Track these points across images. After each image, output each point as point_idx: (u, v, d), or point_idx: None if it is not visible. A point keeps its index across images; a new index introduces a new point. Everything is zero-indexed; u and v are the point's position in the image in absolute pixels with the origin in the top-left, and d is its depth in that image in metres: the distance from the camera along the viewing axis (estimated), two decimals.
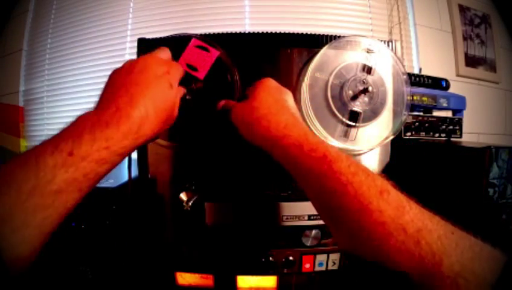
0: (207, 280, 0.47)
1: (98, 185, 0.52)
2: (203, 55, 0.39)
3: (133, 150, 0.26)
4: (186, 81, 0.41)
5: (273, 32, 0.44)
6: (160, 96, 0.28)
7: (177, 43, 0.39)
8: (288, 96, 0.35)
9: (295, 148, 0.28)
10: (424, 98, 0.61)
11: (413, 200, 0.24)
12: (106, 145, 0.23)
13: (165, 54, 0.34)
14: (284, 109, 0.33)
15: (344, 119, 0.42)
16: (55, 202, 0.21)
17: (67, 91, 1.11)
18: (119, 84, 0.27)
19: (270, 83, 0.36)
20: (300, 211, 0.43)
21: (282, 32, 0.44)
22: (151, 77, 0.28)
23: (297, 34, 0.44)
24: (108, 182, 0.53)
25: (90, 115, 0.26)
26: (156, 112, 0.27)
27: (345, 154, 0.27)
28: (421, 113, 0.58)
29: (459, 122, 0.60)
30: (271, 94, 0.34)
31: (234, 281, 0.46)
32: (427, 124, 0.57)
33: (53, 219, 0.22)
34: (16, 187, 0.20)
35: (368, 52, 0.43)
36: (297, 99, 0.43)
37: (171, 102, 0.30)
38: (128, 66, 0.29)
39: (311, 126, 0.42)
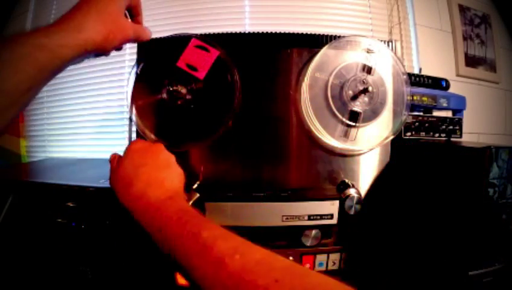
0: None
1: (98, 185, 0.52)
2: (203, 55, 0.39)
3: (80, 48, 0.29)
4: (186, 81, 0.41)
5: (273, 32, 0.44)
6: (105, 7, 0.31)
7: (177, 43, 0.39)
8: (152, 158, 0.35)
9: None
10: (424, 98, 0.61)
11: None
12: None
13: None
14: (138, 177, 0.33)
15: (344, 119, 0.42)
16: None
17: (67, 91, 1.11)
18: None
19: (134, 146, 0.36)
20: (300, 211, 0.43)
21: (282, 32, 0.44)
22: None
23: (297, 34, 0.44)
24: (109, 182, 0.53)
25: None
26: (99, 15, 0.30)
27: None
28: (421, 113, 0.58)
29: (459, 122, 0.60)
30: (132, 159, 0.35)
31: None
32: (427, 124, 0.57)
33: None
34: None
35: (368, 52, 0.43)
36: (297, 100, 0.43)
37: (114, 13, 0.32)
38: None
39: (311, 126, 0.42)
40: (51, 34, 0.26)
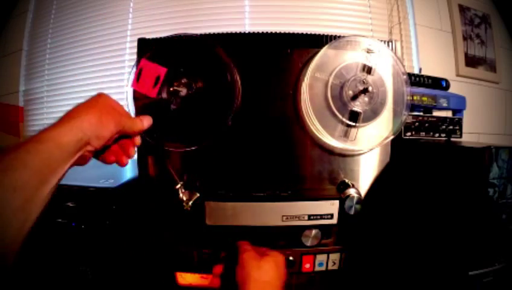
0: (207, 280, 0.47)
1: (98, 185, 0.52)
2: (145, 75, 0.40)
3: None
4: (188, 84, 0.41)
5: (273, 32, 0.44)
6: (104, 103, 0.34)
7: (177, 43, 0.39)
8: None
9: None
10: (424, 98, 0.61)
11: None
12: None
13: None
14: None
15: (344, 119, 0.42)
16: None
17: (67, 91, 1.11)
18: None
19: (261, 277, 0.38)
20: (300, 211, 0.43)
21: (282, 32, 0.44)
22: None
23: (297, 34, 0.44)
24: (109, 182, 0.53)
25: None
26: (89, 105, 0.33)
27: None
28: (421, 113, 0.58)
29: (459, 122, 0.60)
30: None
31: None
32: (427, 124, 0.57)
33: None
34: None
35: (368, 52, 0.43)
36: (297, 100, 0.43)
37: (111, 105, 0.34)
38: None
39: (311, 126, 0.42)
40: (49, 129, 0.28)
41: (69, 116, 0.30)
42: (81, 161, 0.32)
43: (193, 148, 0.41)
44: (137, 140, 0.38)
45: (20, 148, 0.25)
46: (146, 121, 0.37)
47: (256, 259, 0.38)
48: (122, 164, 0.37)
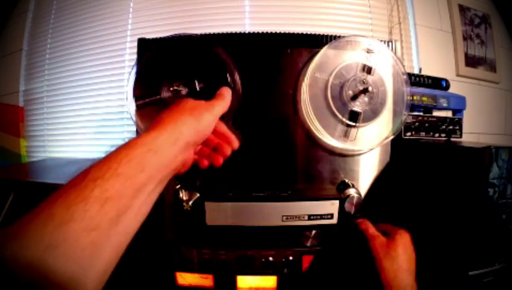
0: (207, 280, 0.47)
1: None
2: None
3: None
4: (186, 81, 0.41)
5: (273, 32, 0.44)
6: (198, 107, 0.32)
7: (177, 43, 0.39)
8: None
9: None
10: (424, 98, 0.61)
11: None
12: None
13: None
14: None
15: (344, 119, 0.42)
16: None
17: (67, 91, 1.11)
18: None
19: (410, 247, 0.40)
20: (300, 211, 0.43)
21: (282, 32, 0.44)
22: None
23: (297, 34, 0.44)
24: None
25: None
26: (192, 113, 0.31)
27: None
28: (421, 113, 0.58)
29: (459, 122, 0.60)
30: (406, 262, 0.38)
31: (234, 281, 0.46)
32: (427, 124, 0.57)
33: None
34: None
35: (367, 52, 0.43)
36: (297, 100, 0.43)
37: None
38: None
39: (311, 126, 0.42)
40: (140, 136, 0.26)
41: (159, 120, 0.29)
42: (183, 167, 0.30)
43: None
44: (235, 141, 0.36)
45: (110, 156, 0.24)
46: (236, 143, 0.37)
47: (387, 246, 0.38)
48: (218, 164, 0.36)
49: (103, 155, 0.24)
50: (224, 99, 0.35)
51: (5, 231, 0.19)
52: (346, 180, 0.44)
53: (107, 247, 0.21)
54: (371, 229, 0.41)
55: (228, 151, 0.36)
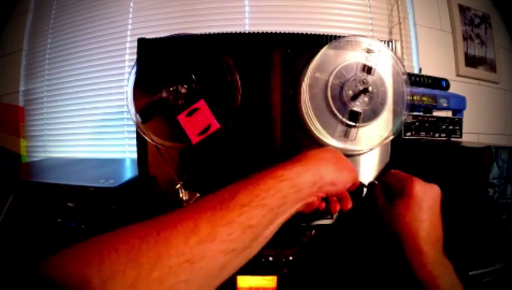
0: None
1: (98, 185, 0.52)
2: (198, 115, 0.39)
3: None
4: (186, 81, 0.41)
5: (273, 32, 0.44)
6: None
7: (177, 43, 0.39)
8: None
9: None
10: (424, 98, 0.61)
11: None
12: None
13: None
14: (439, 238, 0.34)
15: (344, 119, 0.42)
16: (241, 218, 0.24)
17: (67, 91, 1.11)
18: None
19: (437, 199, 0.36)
20: None
21: (282, 32, 0.44)
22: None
23: (297, 34, 0.44)
24: (109, 182, 0.53)
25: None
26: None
27: None
28: (421, 113, 0.58)
29: (459, 122, 0.60)
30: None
31: (234, 281, 0.46)
32: (427, 124, 0.57)
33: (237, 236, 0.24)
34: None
35: (368, 52, 0.43)
36: (297, 100, 0.43)
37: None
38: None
39: (311, 126, 0.42)
40: (287, 166, 0.28)
41: (304, 157, 0.30)
42: (307, 208, 0.30)
43: (191, 146, 0.41)
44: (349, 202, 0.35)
45: (259, 182, 0.25)
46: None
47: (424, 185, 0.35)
48: (333, 212, 0.35)
49: (250, 177, 0.26)
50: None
51: (149, 230, 0.19)
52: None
53: (230, 268, 0.22)
54: (405, 174, 0.37)
55: (349, 206, 0.36)
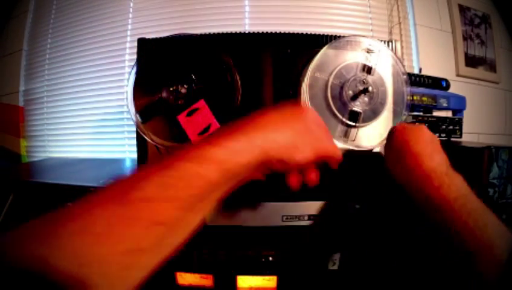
0: (207, 280, 0.47)
1: (98, 185, 0.52)
2: (198, 115, 0.39)
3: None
4: (186, 81, 0.41)
5: (273, 32, 0.44)
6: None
7: (176, 43, 0.39)
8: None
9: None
10: (424, 98, 0.61)
11: None
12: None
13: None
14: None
15: (344, 119, 0.42)
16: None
17: (67, 91, 1.11)
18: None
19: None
20: (300, 211, 0.43)
21: (282, 32, 0.44)
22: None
23: (297, 34, 0.44)
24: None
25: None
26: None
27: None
28: (421, 113, 0.58)
29: (459, 122, 0.60)
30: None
31: (234, 281, 0.46)
32: (427, 124, 0.57)
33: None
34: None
35: (368, 52, 0.43)
36: (297, 100, 0.43)
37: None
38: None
39: None
40: (212, 144, 0.22)
41: (250, 123, 0.25)
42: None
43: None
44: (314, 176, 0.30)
45: (172, 168, 0.20)
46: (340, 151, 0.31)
47: (410, 130, 0.33)
48: (293, 186, 0.30)
49: (168, 158, 0.20)
50: (338, 153, 0.31)
51: (36, 231, 0.17)
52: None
53: (140, 268, 0.20)
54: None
55: (314, 180, 0.30)
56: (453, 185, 0.28)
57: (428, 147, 0.32)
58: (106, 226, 0.18)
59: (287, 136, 0.25)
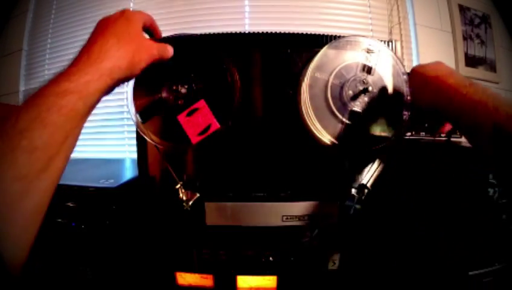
0: (207, 280, 0.47)
1: (98, 185, 0.52)
2: (197, 116, 0.39)
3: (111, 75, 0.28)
4: (186, 81, 0.41)
5: (273, 32, 0.44)
6: (123, 30, 0.32)
7: (177, 44, 0.39)
8: None
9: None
10: None
11: None
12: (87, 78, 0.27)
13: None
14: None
15: (344, 119, 0.42)
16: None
17: None
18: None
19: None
20: (300, 211, 0.43)
21: (282, 32, 0.44)
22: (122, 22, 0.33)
23: (297, 34, 0.44)
24: (109, 182, 0.53)
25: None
26: (119, 40, 0.30)
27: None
28: None
29: None
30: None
31: (234, 281, 0.46)
32: (427, 124, 0.57)
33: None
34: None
35: (368, 52, 0.43)
36: (297, 100, 0.43)
37: (134, 34, 0.32)
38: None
39: (311, 126, 0.42)
40: (71, 76, 0.26)
41: (92, 52, 0.28)
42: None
43: (190, 146, 0.41)
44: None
45: (40, 105, 0.23)
46: (171, 48, 0.37)
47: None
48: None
49: (36, 94, 0.24)
50: (170, 50, 0.36)
51: None
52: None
53: (35, 192, 0.22)
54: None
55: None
56: (477, 90, 0.32)
57: (447, 70, 0.38)
58: None
59: (123, 55, 0.29)
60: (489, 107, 0.29)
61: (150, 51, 0.33)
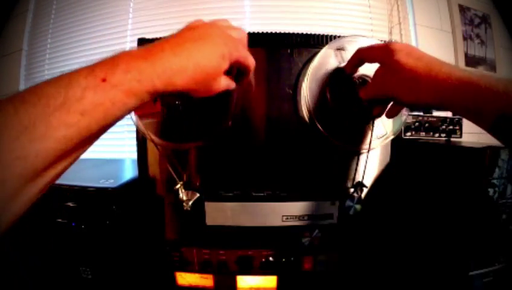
0: (207, 280, 0.47)
1: (98, 185, 0.52)
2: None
3: (160, 94, 0.26)
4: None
5: (273, 32, 0.44)
6: (206, 57, 0.27)
7: None
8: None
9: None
10: None
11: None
12: (139, 78, 0.24)
13: (236, 33, 0.33)
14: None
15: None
16: (80, 122, 0.22)
17: None
18: (177, 34, 0.28)
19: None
20: (300, 211, 0.43)
21: (282, 32, 0.44)
22: (208, 38, 0.28)
23: (297, 34, 0.44)
24: (109, 182, 0.53)
25: (134, 50, 0.26)
26: (195, 69, 0.26)
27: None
28: (421, 113, 0.58)
29: (459, 122, 0.60)
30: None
31: (234, 281, 0.46)
32: (427, 124, 0.57)
33: (73, 138, 0.22)
34: (44, 100, 0.21)
35: None
36: (297, 100, 0.43)
37: (214, 68, 0.28)
38: (197, 24, 0.31)
39: (311, 126, 0.42)
40: (142, 75, 0.24)
41: (161, 58, 0.25)
42: None
43: (190, 145, 0.41)
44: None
45: (90, 88, 0.22)
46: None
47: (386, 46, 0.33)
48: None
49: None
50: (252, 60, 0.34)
51: None
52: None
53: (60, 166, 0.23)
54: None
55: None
56: (453, 69, 0.29)
57: (414, 55, 0.31)
58: (44, 128, 0.20)
59: (172, 56, 0.26)
60: (480, 85, 0.27)
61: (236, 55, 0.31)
